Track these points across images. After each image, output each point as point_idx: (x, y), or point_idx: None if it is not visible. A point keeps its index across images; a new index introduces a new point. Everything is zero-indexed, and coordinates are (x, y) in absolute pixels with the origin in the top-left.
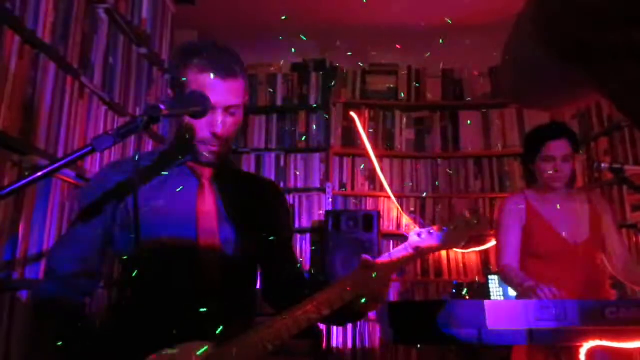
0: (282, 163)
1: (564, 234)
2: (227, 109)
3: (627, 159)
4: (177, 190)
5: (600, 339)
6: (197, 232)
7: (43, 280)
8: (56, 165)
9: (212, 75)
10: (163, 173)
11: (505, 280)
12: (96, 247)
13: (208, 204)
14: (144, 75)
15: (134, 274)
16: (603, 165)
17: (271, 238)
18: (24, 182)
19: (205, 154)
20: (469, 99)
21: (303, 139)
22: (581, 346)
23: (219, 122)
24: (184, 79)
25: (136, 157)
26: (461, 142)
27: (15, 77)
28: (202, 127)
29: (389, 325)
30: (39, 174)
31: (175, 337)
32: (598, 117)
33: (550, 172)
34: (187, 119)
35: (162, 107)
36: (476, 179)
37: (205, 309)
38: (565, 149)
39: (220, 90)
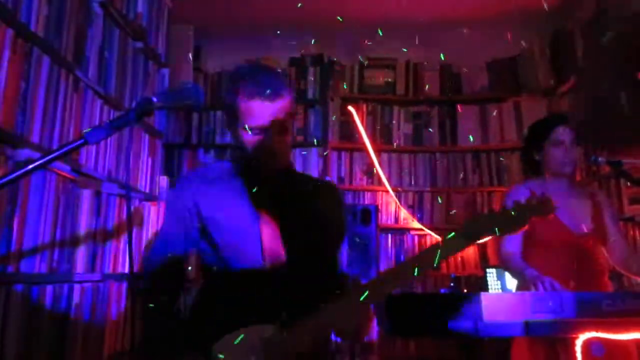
0: None
1: (568, 224)
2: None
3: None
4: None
5: (596, 331)
6: (261, 234)
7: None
8: (48, 157)
9: (260, 101)
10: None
11: (507, 267)
12: (180, 248)
13: (268, 205)
14: (139, 69)
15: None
16: (600, 159)
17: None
18: (15, 174)
19: (264, 172)
20: (466, 93)
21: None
22: (577, 338)
23: (275, 139)
24: (234, 108)
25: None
26: (459, 136)
27: (9, 70)
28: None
29: (386, 317)
30: (31, 166)
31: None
32: None
33: (561, 157)
34: (243, 136)
35: (154, 99)
36: (474, 173)
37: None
38: (572, 134)
39: (269, 112)
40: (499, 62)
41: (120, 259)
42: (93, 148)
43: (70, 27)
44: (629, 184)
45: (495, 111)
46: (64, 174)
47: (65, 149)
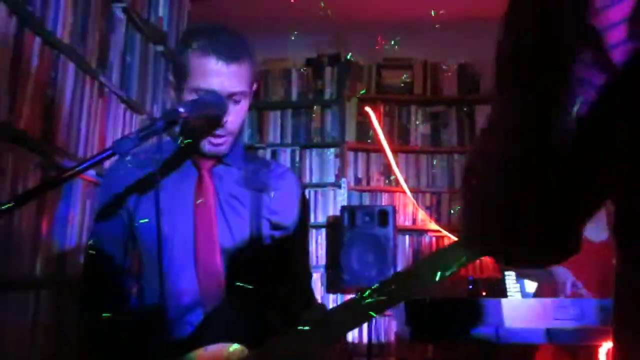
0: (297, 158)
1: (587, 234)
2: (231, 97)
3: None
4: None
5: None
6: (195, 228)
7: (82, 279)
8: (78, 168)
9: (214, 59)
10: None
11: (528, 273)
12: (119, 244)
13: (207, 197)
14: (160, 73)
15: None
16: None
17: (277, 233)
18: (48, 184)
19: (208, 148)
20: (485, 92)
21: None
22: (600, 346)
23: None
24: (185, 64)
25: (157, 172)
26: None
27: (36, 78)
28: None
29: (406, 322)
30: (63, 176)
31: (182, 343)
32: None
33: None
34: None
35: (181, 110)
36: None
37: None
38: None
39: (223, 76)
40: None
41: None
42: None
43: (95, 34)
44: None
45: None
46: (88, 178)
47: (94, 160)
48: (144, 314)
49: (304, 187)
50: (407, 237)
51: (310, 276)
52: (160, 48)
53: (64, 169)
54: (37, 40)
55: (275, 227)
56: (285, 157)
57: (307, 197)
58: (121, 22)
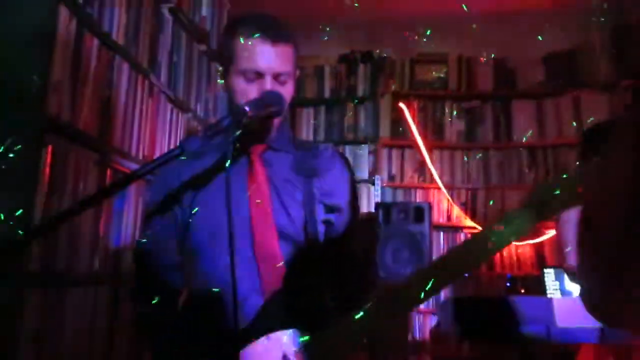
0: None
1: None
2: (277, 77)
3: None
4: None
5: None
6: (251, 213)
7: (135, 273)
8: (149, 167)
9: (260, 38)
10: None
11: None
12: (172, 239)
13: (260, 182)
14: (203, 71)
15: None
16: None
17: (332, 217)
18: (119, 183)
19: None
20: (521, 87)
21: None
22: None
23: (268, 88)
24: (231, 49)
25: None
26: (514, 132)
27: (94, 78)
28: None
29: (454, 320)
30: (133, 176)
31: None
32: None
33: None
34: (235, 84)
35: (247, 109)
36: (529, 170)
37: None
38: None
39: (269, 55)
40: (556, 55)
41: None
42: (165, 150)
43: (145, 34)
44: None
45: (552, 106)
46: None
47: (163, 158)
48: (200, 304)
49: (352, 168)
50: (441, 233)
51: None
52: (203, 47)
53: (122, 169)
54: (95, 41)
55: (329, 209)
56: None
57: None
58: (168, 22)
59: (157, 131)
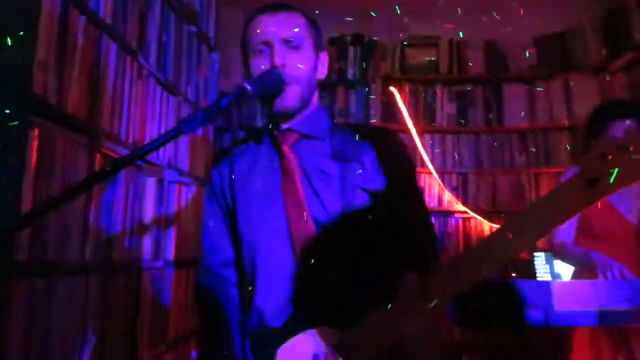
0: None
1: (626, 214)
2: (286, 42)
3: None
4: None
5: None
6: (286, 207)
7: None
8: (147, 148)
9: (262, 15)
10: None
11: (564, 257)
12: (225, 236)
13: (292, 173)
14: (193, 53)
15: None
16: None
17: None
18: (116, 166)
19: (277, 107)
20: (512, 70)
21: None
22: None
23: (277, 54)
24: (244, 38)
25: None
26: (505, 116)
27: (82, 58)
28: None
29: (453, 307)
30: (131, 158)
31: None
32: None
33: None
34: (252, 65)
35: (248, 87)
36: (521, 153)
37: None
38: (631, 129)
39: (272, 22)
40: (546, 38)
41: (183, 245)
42: (155, 134)
43: (134, 13)
44: None
45: (543, 89)
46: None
47: (163, 139)
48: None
49: (403, 144)
50: (433, 218)
51: (432, 234)
52: (193, 28)
53: (112, 154)
54: (82, 19)
55: (372, 194)
56: None
57: None
58: (156, 1)
59: (146, 115)
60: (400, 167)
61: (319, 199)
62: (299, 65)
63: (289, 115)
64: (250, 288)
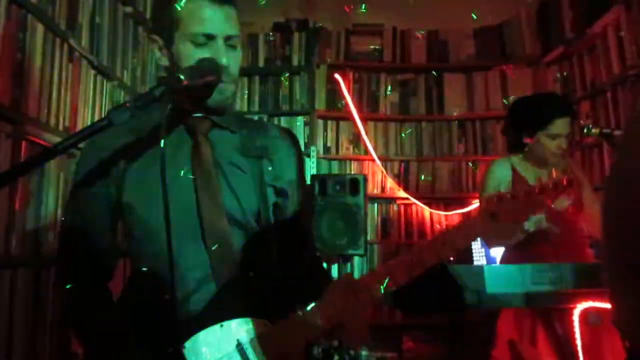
0: None
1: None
2: (227, 40)
3: (608, 123)
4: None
5: (594, 301)
6: (198, 199)
7: (60, 265)
8: (72, 140)
9: (207, 2)
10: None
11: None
12: (104, 224)
13: (207, 165)
14: (129, 35)
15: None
16: (593, 129)
17: (281, 200)
18: (39, 159)
19: (214, 98)
20: (453, 61)
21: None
22: (575, 308)
23: (222, 54)
24: (173, 14)
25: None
26: (445, 104)
27: (4, 39)
28: None
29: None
30: (56, 149)
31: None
32: (581, 81)
33: (554, 148)
34: (182, 51)
35: (182, 77)
36: (459, 142)
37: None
38: (570, 127)
39: (218, 18)
40: (485, 29)
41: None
42: (88, 121)
43: None
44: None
45: (481, 80)
46: None
47: (89, 130)
48: (145, 293)
49: (300, 147)
50: (375, 205)
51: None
52: (129, 9)
53: (40, 141)
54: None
55: (279, 192)
56: None
57: None
58: None
59: (79, 100)
60: (302, 168)
61: (234, 195)
62: (236, 65)
63: (221, 111)
64: (151, 278)
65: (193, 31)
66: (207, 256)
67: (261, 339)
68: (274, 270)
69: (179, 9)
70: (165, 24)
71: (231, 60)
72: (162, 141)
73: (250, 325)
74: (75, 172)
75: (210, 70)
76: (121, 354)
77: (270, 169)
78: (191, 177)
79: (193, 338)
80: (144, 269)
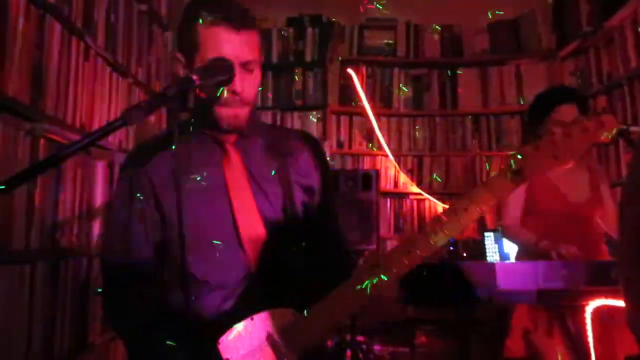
0: (278, 122)
1: (566, 193)
2: (244, 65)
3: (625, 117)
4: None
5: (606, 298)
6: (232, 206)
7: (105, 284)
8: (87, 140)
9: (224, 25)
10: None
11: (514, 239)
12: (150, 246)
13: (238, 172)
14: (144, 33)
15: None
16: None
17: (308, 198)
18: (54, 158)
19: (227, 123)
20: (467, 55)
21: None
22: (587, 305)
23: (237, 80)
24: (194, 37)
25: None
26: (459, 100)
27: (23, 39)
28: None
29: (400, 286)
30: (70, 150)
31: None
32: (597, 75)
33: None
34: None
35: (194, 77)
36: (473, 137)
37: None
38: (575, 114)
39: (235, 43)
40: (500, 23)
41: None
42: (104, 118)
43: None
44: (629, 148)
45: (496, 74)
46: None
47: (103, 131)
48: (182, 302)
49: (323, 150)
50: (388, 200)
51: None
52: (144, 7)
53: (58, 139)
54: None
55: (306, 190)
56: (266, 121)
57: None
58: None
59: (95, 98)
60: (327, 171)
61: (265, 196)
62: (253, 89)
63: (236, 132)
64: (192, 285)
65: (210, 56)
66: (244, 260)
67: (290, 329)
68: (302, 264)
69: (198, 31)
70: (187, 45)
71: (246, 85)
72: (174, 146)
73: (279, 316)
74: (116, 188)
75: (222, 69)
76: (163, 354)
77: (294, 167)
78: (224, 186)
79: (227, 334)
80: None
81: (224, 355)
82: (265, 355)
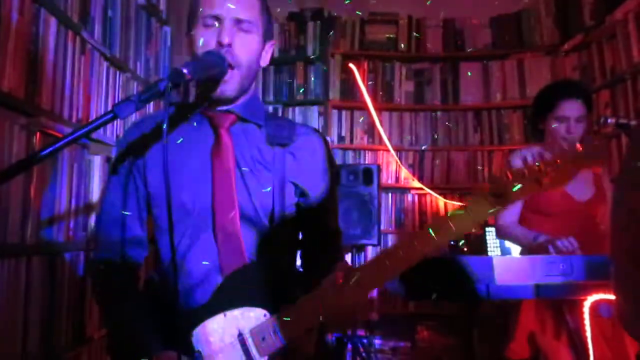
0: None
1: (571, 192)
2: (237, 23)
3: (628, 112)
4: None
5: (605, 293)
6: (213, 193)
7: (95, 249)
8: (79, 133)
9: None
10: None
11: (510, 238)
12: (133, 212)
13: (225, 160)
14: (142, 27)
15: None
16: (610, 120)
17: (303, 200)
18: (48, 150)
19: (220, 89)
20: (469, 49)
21: (301, 91)
22: (585, 300)
23: (226, 33)
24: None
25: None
26: (461, 94)
27: (17, 33)
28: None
29: (399, 280)
30: (61, 142)
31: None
32: (601, 69)
33: (563, 132)
34: (198, 35)
35: (185, 71)
36: (475, 131)
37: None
38: (579, 110)
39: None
40: (502, 17)
41: None
42: (101, 113)
43: None
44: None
45: (498, 69)
46: None
47: (95, 123)
48: (160, 282)
49: (330, 147)
50: (390, 194)
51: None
52: (142, 1)
53: (54, 133)
54: None
55: (301, 193)
56: None
57: None
58: None
59: (92, 92)
60: (332, 173)
61: (248, 194)
62: (246, 51)
63: (225, 102)
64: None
65: (202, 13)
66: (216, 248)
67: (262, 330)
68: (285, 266)
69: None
70: (190, 15)
71: (237, 41)
72: (165, 137)
73: (252, 315)
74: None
75: (213, 63)
76: (137, 337)
77: (293, 163)
78: (209, 171)
79: (200, 326)
80: (164, 258)
81: (196, 346)
82: (235, 353)
